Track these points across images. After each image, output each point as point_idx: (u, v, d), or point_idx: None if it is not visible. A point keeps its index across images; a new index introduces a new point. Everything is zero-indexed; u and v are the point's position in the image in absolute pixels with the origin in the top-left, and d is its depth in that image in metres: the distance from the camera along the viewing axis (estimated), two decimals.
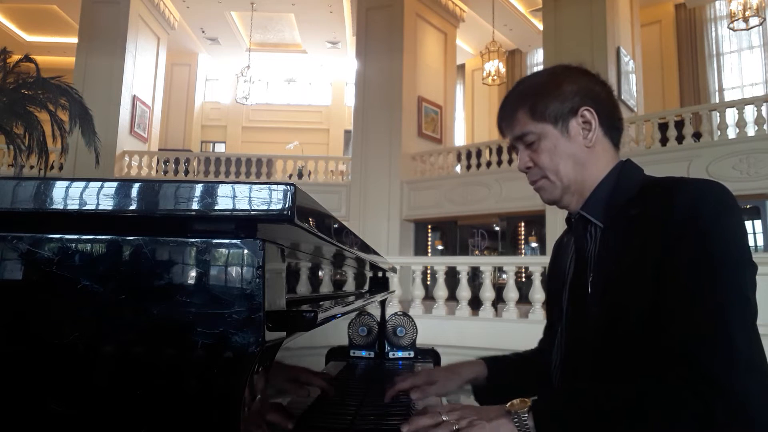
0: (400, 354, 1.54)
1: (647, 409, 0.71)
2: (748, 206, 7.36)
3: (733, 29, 9.53)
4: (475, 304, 5.89)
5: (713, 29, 11.73)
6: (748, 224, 7.52)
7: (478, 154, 9.58)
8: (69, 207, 0.50)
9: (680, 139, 7.61)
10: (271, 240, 0.55)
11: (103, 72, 10.87)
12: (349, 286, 1.47)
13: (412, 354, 1.54)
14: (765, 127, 7.03)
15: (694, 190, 0.80)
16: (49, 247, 0.52)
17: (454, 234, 10.47)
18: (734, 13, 9.06)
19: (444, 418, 0.76)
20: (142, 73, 11.81)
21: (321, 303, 0.89)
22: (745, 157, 6.96)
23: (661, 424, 0.71)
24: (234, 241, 0.52)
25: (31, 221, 0.52)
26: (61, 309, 0.52)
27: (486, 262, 6.09)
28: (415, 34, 10.70)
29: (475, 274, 6.75)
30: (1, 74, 8.34)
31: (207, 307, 0.51)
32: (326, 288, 1.15)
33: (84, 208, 0.50)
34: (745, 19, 8.98)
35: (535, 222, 9.15)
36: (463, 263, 6.13)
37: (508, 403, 0.76)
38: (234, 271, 0.52)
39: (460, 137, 14.13)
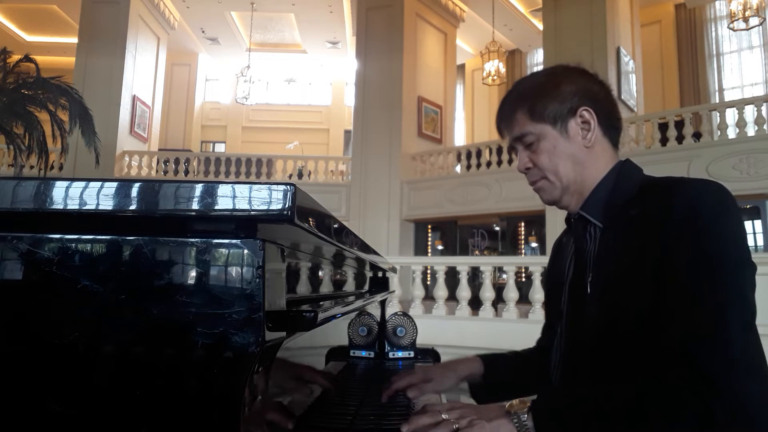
0: (400, 354, 1.54)
1: (646, 409, 0.71)
2: (748, 206, 7.36)
3: (733, 29, 9.53)
4: (475, 304, 5.89)
5: (713, 29, 11.73)
6: (748, 224, 7.52)
7: (478, 154, 9.58)
8: (69, 207, 0.50)
9: (680, 139, 7.61)
10: (271, 240, 0.55)
11: (103, 72, 10.87)
12: (349, 286, 1.47)
13: (412, 354, 1.54)
14: (765, 127, 7.03)
15: (693, 189, 0.80)
16: (49, 247, 0.52)
17: (454, 234, 10.47)
18: (734, 13, 9.06)
19: (444, 417, 0.76)
20: (142, 73, 11.81)
21: (321, 303, 0.89)
22: (745, 157, 6.96)
23: (660, 425, 0.71)
24: (234, 241, 0.52)
25: (31, 221, 0.53)
26: (61, 309, 0.52)
27: (486, 262, 6.09)
28: (415, 34, 10.70)
29: (475, 274, 6.75)
30: (1, 74, 8.34)
31: (207, 307, 0.51)
32: (326, 288, 1.16)
33: (84, 208, 0.50)
34: (745, 19, 8.98)
35: (535, 222, 9.15)
36: (463, 263, 6.13)
37: (508, 404, 0.76)
38: (234, 271, 0.52)
39: (460, 137, 14.13)
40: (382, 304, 1.64)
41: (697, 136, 7.66)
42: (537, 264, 5.73)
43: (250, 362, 0.51)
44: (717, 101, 10.91)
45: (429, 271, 8.61)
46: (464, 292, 5.85)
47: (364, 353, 1.51)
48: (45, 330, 0.52)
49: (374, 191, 10.09)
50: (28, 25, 14.17)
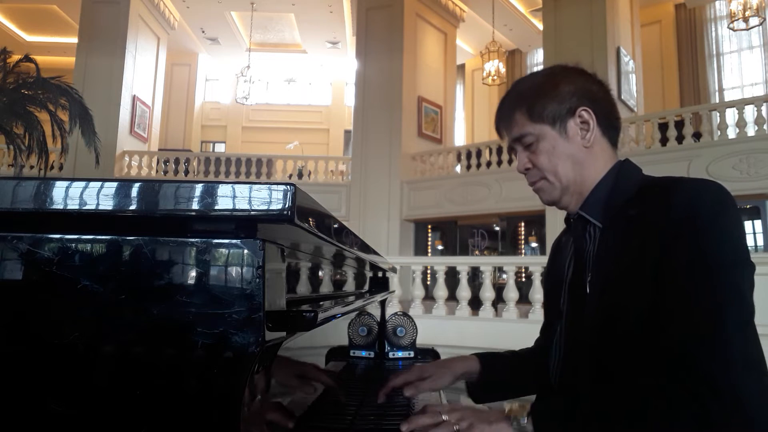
0: (400, 354, 1.54)
1: (646, 410, 0.71)
2: (748, 206, 7.36)
3: (733, 29, 9.53)
4: (475, 304, 5.89)
5: (713, 29, 11.73)
6: (748, 224, 7.53)
7: (478, 154, 9.58)
8: (69, 207, 0.50)
9: (680, 139, 7.62)
10: (271, 240, 0.55)
11: (103, 72, 10.87)
12: (349, 286, 1.47)
13: (412, 354, 1.54)
14: (765, 127, 7.03)
15: (692, 189, 0.80)
16: (49, 247, 0.52)
17: (454, 234, 10.47)
18: (734, 13, 9.07)
19: (444, 418, 0.76)
20: (142, 73, 11.81)
21: (321, 303, 0.89)
22: (745, 157, 6.96)
23: (659, 425, 0.71)
24: (234, 241, 0.52)
25: (31, 221, 0.53)
26: (61, 309, 0.52)
27: (486, 262, 6.10)
28: (415, 34, 10.71)
29: (475, 274, 6.75)
30: (1, 74, 8.34)
31: (207, 307, 0.51)
32: (326, 288, 1.16)
33: (84, 208, 0.50)
34: (745, 19, 8.98)
35: (535, 222, 9.15)
36: (463, 263, 6.13)
37: (507, 408, 0.76)
38: (234, 271, 0.52)
39: (460, 137, 14.13)
40: (382, 304, 1.64)
41: (697, 136, 7.67)
42: (537, 264, 5.73)
43: (250, 362, 0.51)
44: (717, 101, 10.92)
45: (429, 271, 8.61)
46: (464, 292, 5.85)
47: (364, 353, 1.51)
48: (45, 330, 0.52)
49: (374, 191, 10.09)
50: (28, 25, 14.17)
